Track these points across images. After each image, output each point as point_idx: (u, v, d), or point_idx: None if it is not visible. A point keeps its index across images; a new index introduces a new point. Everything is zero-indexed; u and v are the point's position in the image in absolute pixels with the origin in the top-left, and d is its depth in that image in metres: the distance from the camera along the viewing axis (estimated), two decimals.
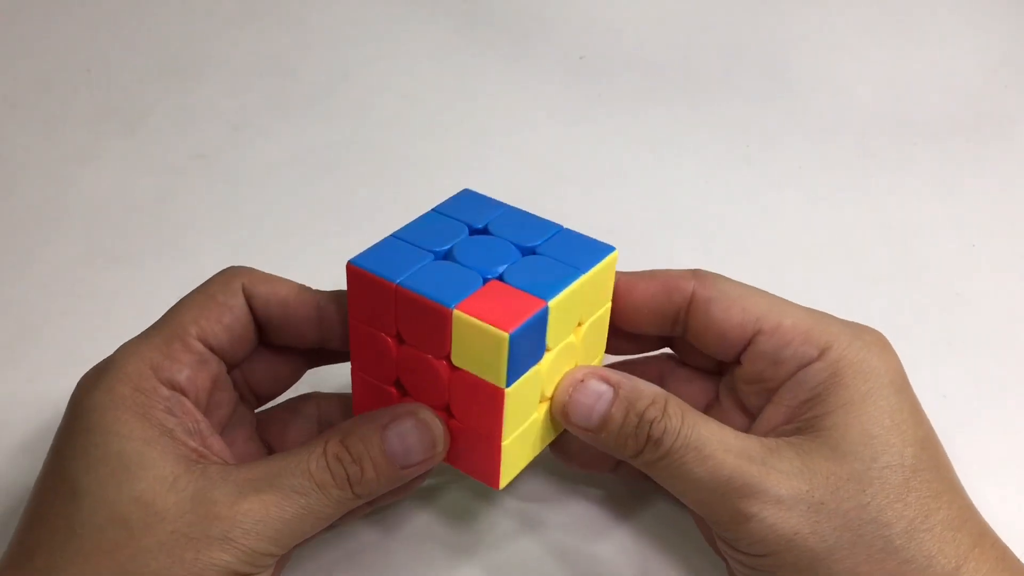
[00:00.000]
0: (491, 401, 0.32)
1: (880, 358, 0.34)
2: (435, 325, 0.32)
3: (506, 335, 0.30)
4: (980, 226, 0.55)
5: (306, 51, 0.63)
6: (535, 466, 0.43)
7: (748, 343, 0.36)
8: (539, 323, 0.32)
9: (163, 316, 0.35)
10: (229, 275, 0.36)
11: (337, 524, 0.38)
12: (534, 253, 0.34)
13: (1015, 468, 0.44)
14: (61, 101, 0.59)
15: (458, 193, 0.37)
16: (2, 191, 0.55)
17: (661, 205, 0.55)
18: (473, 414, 0.33)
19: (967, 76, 0.63)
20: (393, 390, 0.35)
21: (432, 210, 0.36)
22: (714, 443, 0.32)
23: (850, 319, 0.40)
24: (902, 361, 0.35)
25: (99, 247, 0.52)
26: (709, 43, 0.64)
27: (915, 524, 0.32)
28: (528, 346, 0.32)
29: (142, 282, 0.50)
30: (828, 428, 0.33)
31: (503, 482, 0.35)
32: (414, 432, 0.33)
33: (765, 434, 0.35)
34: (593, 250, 0.35)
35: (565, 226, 0.36)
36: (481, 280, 0.32)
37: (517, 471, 0.36)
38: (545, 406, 0.36)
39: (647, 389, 0.34)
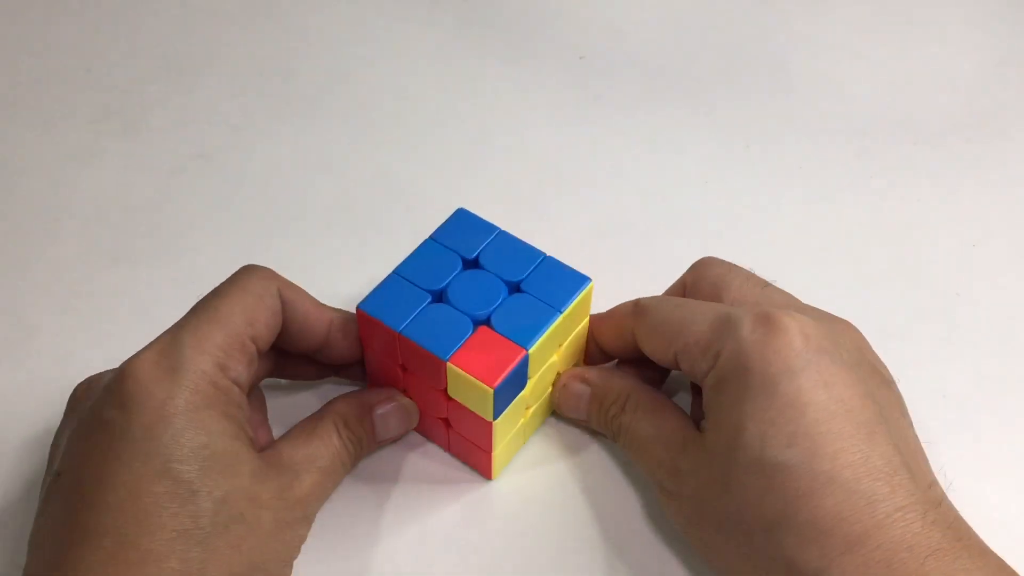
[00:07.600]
0: (482, 427, 0.39)
1: (761, 353, 0.34)
2: (433, 369, 0.38)
3: (491, 390, 0.36)
4: (980, 226, 0.55)
5: (306, 51, 0.63)
6: (529, 468, 0.44)
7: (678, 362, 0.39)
8: (521, 368, 0.37)
9: (210, 307, 0.36)
10: (267, 276, 0.38)
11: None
12: (519, 290, 0.39)
13: (1015, 468, 0.44)
14: (61, 101, 0.59)
15: (454, 214, 0.42)
16: (2, 191, 0.55)
17: (661, 205, 0.55)
18: (467, 431, 0.40)
19: (967, 76, 0.63)
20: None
21: (429, 238, 0.41)
22: (650, 438, 0.39)
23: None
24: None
25: (99, 247, 0.52)
26: (709, 43, 0.64)
27: (775, 524, 0.33)
28: (511, 388, 0.38)
29: (142, 282, 0.50)
30: (710, 429, 0.36)
31: (495, 474, 0.42)
32: (395, 416, 0.41)
33: (698, 420, 0.38)
34: (571, 284, 0.39)
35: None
36: (471, 326, 0.38)
37: (506, 463, 0.43)
38: (530, 411, 0.41)
39: (615, 385, 0.41)
